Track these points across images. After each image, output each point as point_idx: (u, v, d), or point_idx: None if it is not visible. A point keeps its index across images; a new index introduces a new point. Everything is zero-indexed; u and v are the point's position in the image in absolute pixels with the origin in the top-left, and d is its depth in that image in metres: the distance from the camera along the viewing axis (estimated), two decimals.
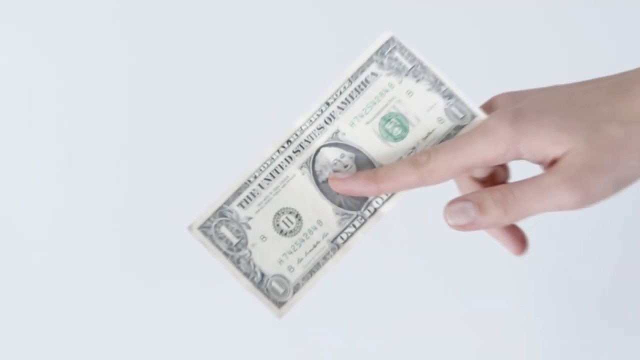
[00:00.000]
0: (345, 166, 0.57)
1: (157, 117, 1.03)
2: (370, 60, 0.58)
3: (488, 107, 0.58)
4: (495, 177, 0.63)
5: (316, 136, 0.58)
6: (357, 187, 0.56)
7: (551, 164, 0.52)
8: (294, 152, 0.58)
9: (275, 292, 0.56)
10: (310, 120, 0.58)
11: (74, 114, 1.04)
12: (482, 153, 0.53)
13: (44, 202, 1.03)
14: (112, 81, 1.04)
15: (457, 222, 0.53)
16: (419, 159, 0.54)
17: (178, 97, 1.04)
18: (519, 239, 0.62)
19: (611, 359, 0.99)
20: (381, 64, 0.58)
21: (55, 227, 1.03)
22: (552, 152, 0.52)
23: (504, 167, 0.63)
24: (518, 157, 0.53)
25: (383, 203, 0.57)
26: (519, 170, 0.60)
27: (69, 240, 1.02)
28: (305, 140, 0.58)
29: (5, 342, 1.00)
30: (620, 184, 0.51)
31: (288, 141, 0.58)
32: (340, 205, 0.57)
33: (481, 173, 0.62)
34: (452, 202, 0.54)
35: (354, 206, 0.57)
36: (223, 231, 0.57)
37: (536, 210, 0.52)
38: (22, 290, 1.02)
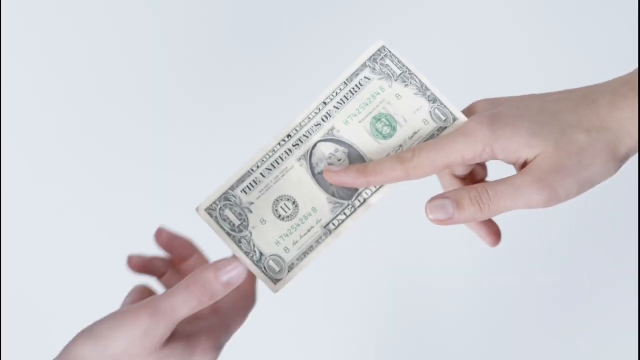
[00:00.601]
0: (339, 160, 0.60)
1: (176, 119, 1.06)
2: (364, 66, 0.61)
3: (469, 111, 0.61)
4: (474, 175, 0.66)
5: (314, 132, 0.60)
6: (348, 179, 0.58)
7: (523, 165, 0.56)
8: (293, 145, 0.60)
9: (272, 270, 0.59)
10: (309, 118, 0.61)
11: (96, 104, 1.06)
12: (462, 152, 0.56)
13: (57, 189, 1.05)
14: (127, 78, 1.06)
15: (436, 217, 0.56)
16: (405, 156, 0.57)
17: (201, 100, 1.07)
18: (494, 233, 0.66)
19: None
20: (373, 69, 0.61)
21: (65, 215, 1.05)
22: (525, 154, 0.55)
23: (482, 166, 0.66)
24: (494, 157, 0.56)
25: (372, 194, 0.60)
26: (495, 170, 0.64)
27: (85, 225, 1.05)
28: (304, 136, 0.60)
29: (10, 341, 1.02)
30: (583, 186, 0.55)
31: (288, 135, 0.60)
32: (333, 195, 0.60)
33: (462, 171, 0.65)
34: (433, 199, 0.57)
35: (346, 196, 0.60)
36: (227, 214, 0.59)
37: (509, 207, 0.55)
38: (33, 281, 1.05)
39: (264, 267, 0.60)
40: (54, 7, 1.07)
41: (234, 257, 0.58)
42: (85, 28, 1.08)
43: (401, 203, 0.91)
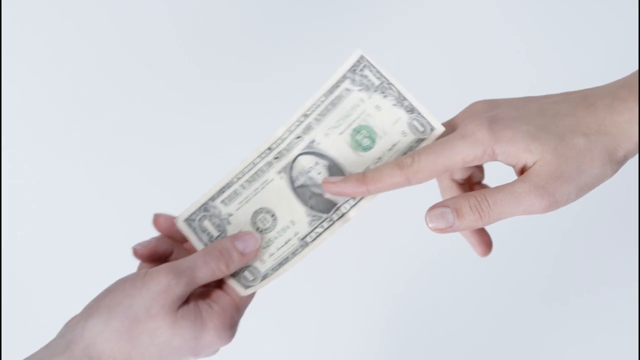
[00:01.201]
0: (319, 173, 0.60)
1: (167, 128, 1.06)
2: (343, 77, 0.61)
3: (466, 113, 0.60)
4: (471, 178, 0.66)
5: (295, 145, 0.61)
6: (348, 189, 0.58)
7: (522, 168, 0.55)
8: (274, 158, 0.60)
9: (245, 279, 0.60)
10: (290, 130, 0.61)
11: (85, 112, 1.07)
12: (462, 155, 0.55)
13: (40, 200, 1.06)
14: (112, 84, 1.07)
15: (437, 226, 0.56)
16: (404, 161, 0.57)
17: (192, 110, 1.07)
18: (485, 242, 0.65)
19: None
20: (353, 80, 0.60)
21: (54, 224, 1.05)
22: (524, 158, 0.55)
23: (479, 168, 0.66)
24: (493, 159, 0.56)
25: (350, 208, 0.60)
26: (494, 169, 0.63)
27: (75, 233, 1.05)
28: (285, 149, 0.60)
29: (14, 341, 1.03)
30: (582, 190, 0.54)
31: (269, 148, 0.61)
32: (312, 208, 0.60)
33: (460, 174, 0.64)
34: (432, 208, 0.56)
35: (324, 209, 0.60)
36: (205, 225, 0.60)
37: (508, 214, 0.55)
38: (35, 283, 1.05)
39: (239, 276, 0.60)
40: (52, 5, 1.08)
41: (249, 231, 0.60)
42: (83, 22, 1.08)
43: (398, 208, 0.90)
